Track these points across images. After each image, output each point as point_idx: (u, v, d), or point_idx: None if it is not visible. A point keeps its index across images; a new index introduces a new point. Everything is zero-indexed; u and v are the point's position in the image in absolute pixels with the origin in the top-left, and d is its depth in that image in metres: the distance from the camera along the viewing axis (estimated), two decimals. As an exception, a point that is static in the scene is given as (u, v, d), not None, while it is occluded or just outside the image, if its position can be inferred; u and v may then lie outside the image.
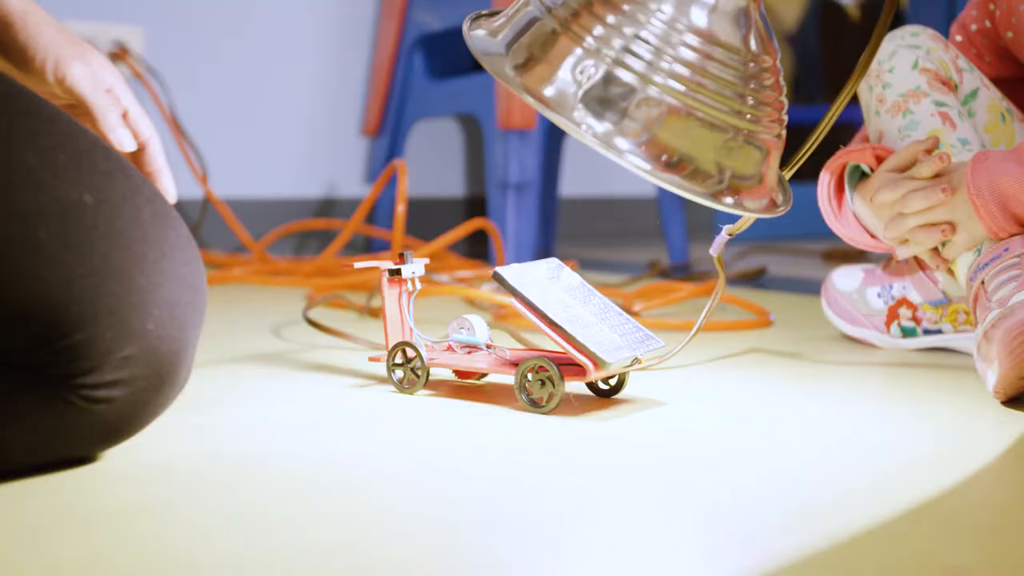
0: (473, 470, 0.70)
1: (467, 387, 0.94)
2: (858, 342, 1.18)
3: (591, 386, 0.89)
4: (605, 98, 0.69)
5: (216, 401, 0.87)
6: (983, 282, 0.93)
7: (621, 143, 0.69)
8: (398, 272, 0.90)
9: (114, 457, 0.69)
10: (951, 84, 1.09)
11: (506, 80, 0.71)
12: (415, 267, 0.91)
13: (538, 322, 0.82)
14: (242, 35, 2.26)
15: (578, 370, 0.83)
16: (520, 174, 1.93)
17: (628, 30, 0.69)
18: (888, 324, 1.14)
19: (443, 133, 2.56)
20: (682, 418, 0.84)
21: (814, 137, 0.80)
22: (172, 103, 2.10)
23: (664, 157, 0.69)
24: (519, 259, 1.94)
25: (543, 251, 2.44)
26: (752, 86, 0.71)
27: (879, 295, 1.15)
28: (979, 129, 1.09)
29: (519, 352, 0.89)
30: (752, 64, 0.71)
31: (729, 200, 0.72)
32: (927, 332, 1.12)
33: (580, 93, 0.69)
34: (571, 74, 0.69)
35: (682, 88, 0.69)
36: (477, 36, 0.75)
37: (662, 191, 2.16)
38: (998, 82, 1.14)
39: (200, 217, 2.09)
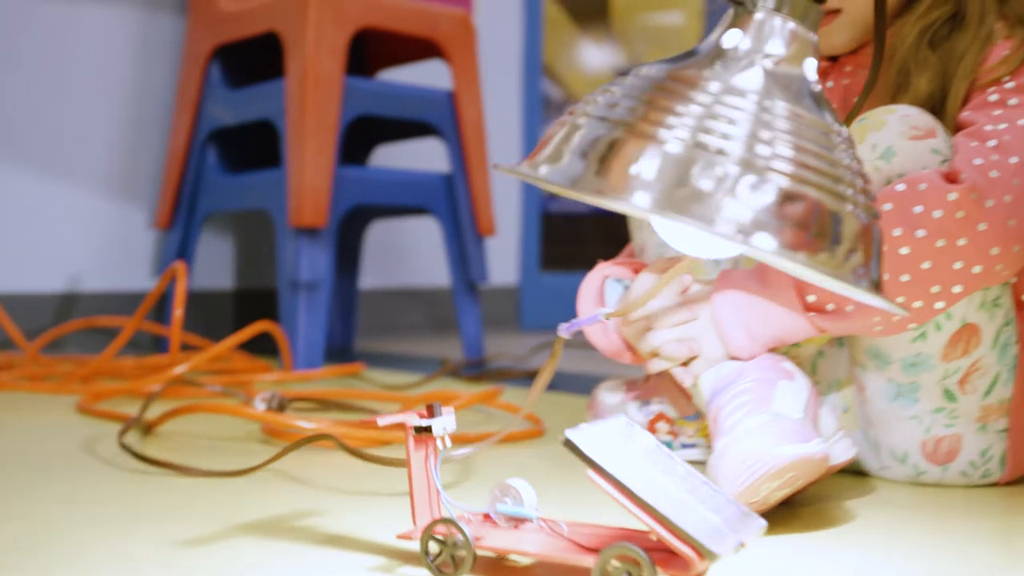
0: None
1: (516, 570, 0.75)
2: (622, 455, 1.20)
3: None
4: (754, 201, 0.61)
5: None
6: (718, 407, 0.96)
7: (765, 241, 0.61)
8: (427, 429, 0.75)
9: None
10: None
11: (624, 205, 0.63)
12: (446, 421, 0.76)
13: (625, 501, 0.68)
14: (26, 120, 2.19)
15: (677, 561, 0.68)
16: (311, 273, 1.92)
17: (744, 129, 0.63)
18: None
19: (238, 227, 2.52)
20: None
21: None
22: (-56, 195, 2.00)
23: (809, 248, 0.62)
24: (308, 359, 1.90)
25: (340, 347, 2.42)
26: (857, 168, 0.66)
27: (640, 409, 1.18)
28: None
29: (581, 528, 0.74)
30: (848, 147, 0.67)
31: (866, 283, 0.65)
32: (684, 446, 1.15)
33: (723, 200, 0.61)
34: (700, 183, 0.61)
35: (819, 179, 0.63)
36: (554, 170, 0.65)
37: (456, 283, 2.17)
38: None
39: (-28, 315, 1.98)
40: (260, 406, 1.35)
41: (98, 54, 2.29)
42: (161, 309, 2.26)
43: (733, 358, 1.00)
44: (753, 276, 0.98)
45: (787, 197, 0.62)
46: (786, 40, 0.68)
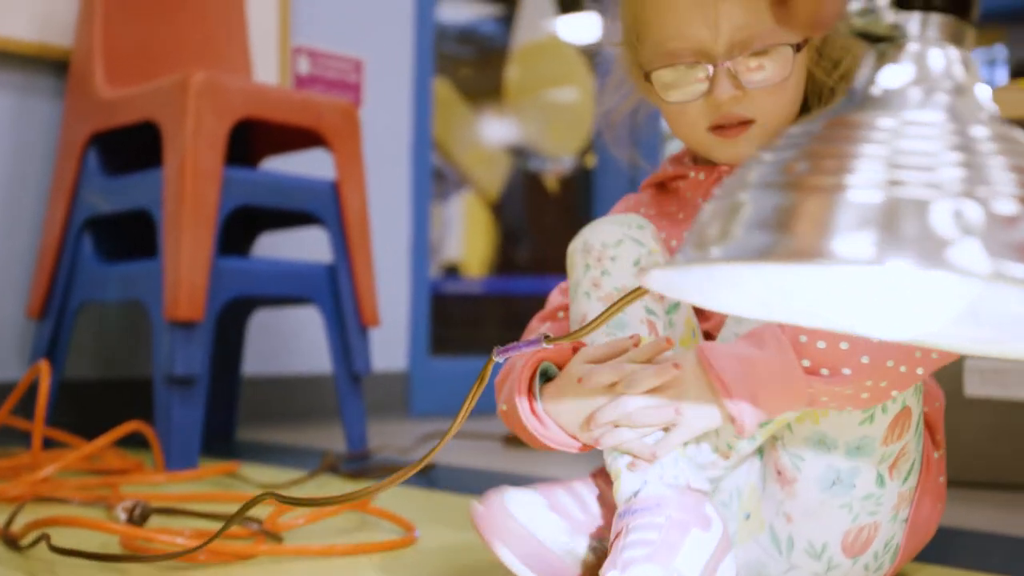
0: None
1: None
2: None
3: None
4: (995, 232, 0.53)
5: None
6: (626, 527, 0.90)
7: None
8: None
9: None
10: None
11: (832, 263, 0.54)
12: None
13: None
14: None
15: None
16: (186, 367, 1.87)
17: (948, 158, 0.55)
18: None
19: (113, 316, 2.46)
20: None
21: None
22: None
23: None
24: (183, 457, 1.85)
25: (223, 438, 2.36)
26: None
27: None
28: (675, 343, 1.10)
29: None
30: None
31: None
32: None
33: (961, 238, 0.53)
34: (922, 222, 0.53)
35: None
36: (730, 249, 0.57)
37: (339, 374, 2.13)
38: None
39: None
40: (122, 516, 1.31)
41: (-30, 138, 2.23)
42: (30, 401, 2.18)
43: (731, 428, 0.93)
44: (746, 342, 0.93)
45: None
46: (951, 65, 0.61)
